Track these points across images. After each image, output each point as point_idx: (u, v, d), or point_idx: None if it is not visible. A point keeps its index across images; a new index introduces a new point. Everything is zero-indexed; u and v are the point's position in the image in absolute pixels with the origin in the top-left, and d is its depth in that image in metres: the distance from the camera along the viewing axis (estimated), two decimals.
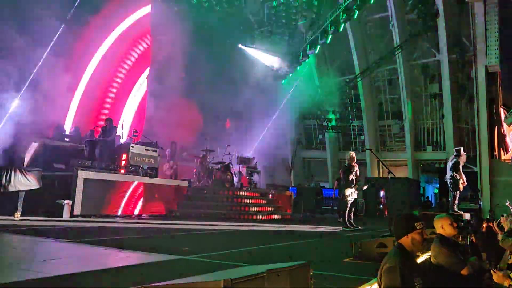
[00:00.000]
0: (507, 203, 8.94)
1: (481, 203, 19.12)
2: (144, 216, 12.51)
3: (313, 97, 25.75)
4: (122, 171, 12.41)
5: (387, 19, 23.83)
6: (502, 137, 20.63)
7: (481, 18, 19.61)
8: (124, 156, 12.61)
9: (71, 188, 10.50)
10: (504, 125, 20.72)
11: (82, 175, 10.70)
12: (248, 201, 14.24)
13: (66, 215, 10.18)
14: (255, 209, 13.97)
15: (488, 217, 14.64)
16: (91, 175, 11.03)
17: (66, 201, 10.25)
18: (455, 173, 11.48)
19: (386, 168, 17.48)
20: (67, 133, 14.07)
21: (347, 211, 11.38)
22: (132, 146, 12.60)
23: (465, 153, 11.82)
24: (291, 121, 25.57)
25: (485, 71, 20.06)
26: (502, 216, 7.35)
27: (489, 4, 19.36)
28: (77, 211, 10.44)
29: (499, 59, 19.67)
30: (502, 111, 21.10)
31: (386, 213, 18.88)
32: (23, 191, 9.30)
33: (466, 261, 4.09)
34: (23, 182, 9.31)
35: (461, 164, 11.58)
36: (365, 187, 11.80)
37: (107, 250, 6.02)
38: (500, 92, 20.85)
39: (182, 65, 17.53)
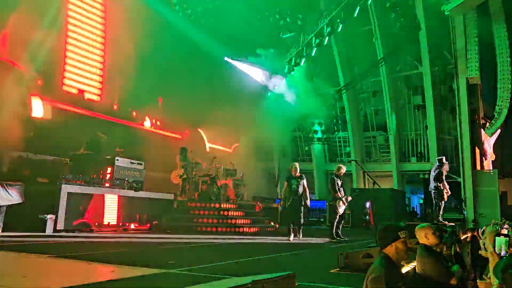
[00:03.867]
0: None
1: (465, 213, 19.33)
2: (129, 229, 12.36)
3: (298, 109, 25.91)
4: (107, 184, 12.27)
5: (371, 32, 24.23)
6: (481, 144, 21.02)
7: (461, 30, 20.06)
8: (109, 170, 12.49)
9: (54, 202, 10.34)
10: (483, 133, 21.13)
11: (66, 189, 10.55)
12: (234, 213, 14.17)
13: (49, 230, 10.01)
14: (242, 222, 13.90)
15: (472, 226, 14.80)
16: (75, 189, 10.89)
17: (49, 216, 10.08)
18: (438, 183, 11.62)
19: (371, 179, 17.64)
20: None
21: (335, 222, 11.48)
22: (117, 160, 12.49)
23: (447, 162, 11.98)
24: (277, 133, 25.63)
25: (466, 83, 20.47)
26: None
27: (469, 18, 19.83)
28: (60, 225, 10.27)
29: (479, 71, 20.12)
30: (482, 122, 21.51)
31: (372, 224, 18.96)
32: (4, 206, 9.12)
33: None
34: (5, 196, 9.14)
35: (444, 173, 11.73)
36: (349, 198, 11.91)
37: (91, 265, 5.92)
38: (481, 104, 21.26)
39: (166, 76, 17.47)
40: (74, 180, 11.07)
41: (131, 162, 12.88)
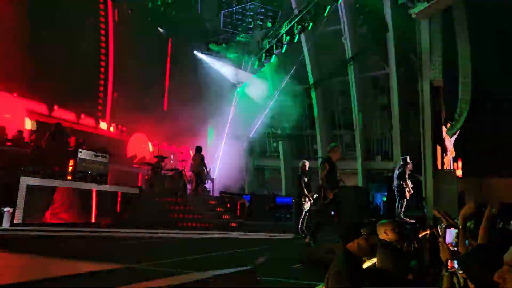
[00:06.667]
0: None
1: (425, 210, 19.91)
2: (92, 223, 12.05)
3: (267, 106, 25.98)
4: (69, 177, 11.91)
5: (340, 32, 24.51)
6: (442, 142, 21.75)
7: (426, 34, 20.63)
8: (71, 162, 12.12)
9: (12, 195, 9.95)
10: (444, 131, 21.89)
11: (25, 181, 10.18)
12: (200, 208, 14.09)
13: (6, 224, 9.63)
14: (208, 217, 13.84)
15: (431, 223, 15.27)
16: (35, 181, 10.52)
17: (6, 209, 9.70)
18: (401, 182, 11.97)
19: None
20: (9, 136, 13.31)
21: (300, 219, 11.56)
22: (81, 152, 12.13)
23: (411, 162, 12.33)
24: (245, 129, 25.64)
25: (430, 85, 21.07)
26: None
27: (434, 22, 20.42)
28: (18, 219, 9.89)
29: (443, 74, 20.78)
30: (446, 123, 22.26)
31: (336, 220, 19.22)
32: None
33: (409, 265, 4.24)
34: None
35: (407, 172, 12.09)
36: (315, 195, 12.00)
37: (49, 260, 5.74)
38: (443, 105, 21.97)
39: (134, 69, 17.17)
40: (34, 172, 10.69)
41: (95, 155, 12.53)
